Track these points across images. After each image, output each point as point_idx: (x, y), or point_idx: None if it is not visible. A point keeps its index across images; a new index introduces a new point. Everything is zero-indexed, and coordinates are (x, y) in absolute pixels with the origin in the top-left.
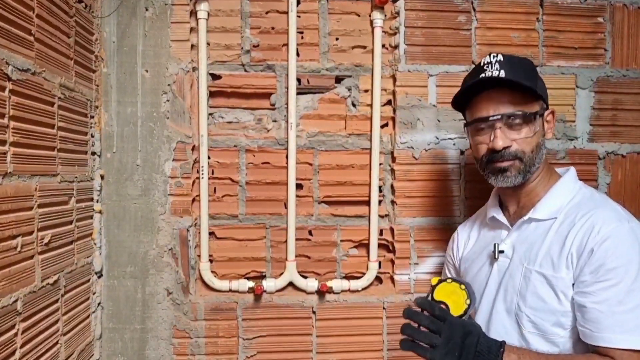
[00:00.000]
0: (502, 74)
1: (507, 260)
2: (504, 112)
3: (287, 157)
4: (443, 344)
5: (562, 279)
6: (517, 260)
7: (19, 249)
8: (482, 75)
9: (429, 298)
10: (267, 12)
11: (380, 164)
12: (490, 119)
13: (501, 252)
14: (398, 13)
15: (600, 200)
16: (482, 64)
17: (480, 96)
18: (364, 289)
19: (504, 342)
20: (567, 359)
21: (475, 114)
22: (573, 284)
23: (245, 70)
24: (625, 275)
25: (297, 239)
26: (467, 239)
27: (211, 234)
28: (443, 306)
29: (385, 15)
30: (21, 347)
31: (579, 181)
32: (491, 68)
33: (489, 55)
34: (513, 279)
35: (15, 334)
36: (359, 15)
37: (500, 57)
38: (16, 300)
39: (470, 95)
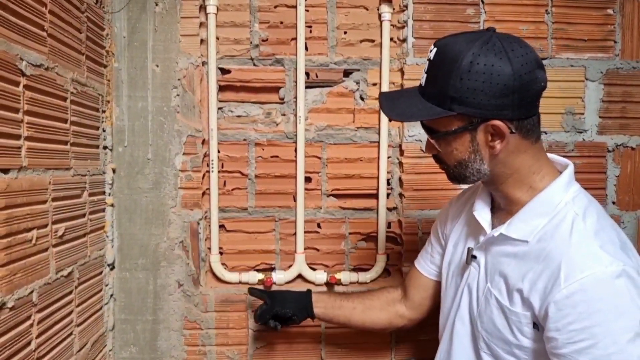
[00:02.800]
0: (424, 79)
1: (477, 270)
2: (413, 119)
3: (295, 150)
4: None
5: (517, 314)
6: (483, 274)
7: (34, 241)
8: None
9: None
10: (275, 7)
11: (388, 157)
12: (401, 121)
13: (474, 257)
14: (406, 6)
15: (590, 228)
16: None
17: None
18: (372, 281)
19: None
20: None
21: None
22: (534, 324)
23: (254, 65)
24: (588, 340)
25: (305, 232)
26: (455, 215)
27: (221, 226)
28: None
29: (394, 9)
30: (37, 337)
31: (572, 187)
32: (426, 66)
33: (432, 46)
34: (477, 293)
35: (31, 325)
36: (367, 9)
37: (432, 54)
38: (32, 292)
39: None
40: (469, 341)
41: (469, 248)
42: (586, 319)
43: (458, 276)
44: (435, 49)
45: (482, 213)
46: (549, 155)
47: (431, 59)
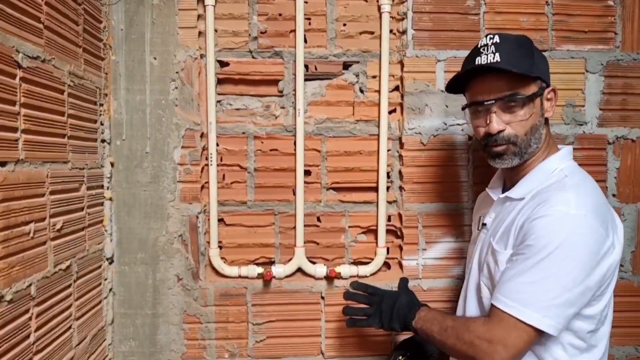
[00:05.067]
0: (497, 57)
1: (485, 234)
2: (498, 96)
3: (295, 143)
4: (374, 311)
5: (504, 254)
6: (489, 235)
7: (31, 234)
8: (478, 58)
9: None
10: None
11: (388, 150)
12: (485, 103)
13: (484, 224)
14: None
15: (572, 184)
16: (479, 46)
17: (476, 80)
18: (372, 274)
19: (420, 304)
20: (460, 320)
21: (471, 97)
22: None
23: (253, 57)
24: (537, 252)
25: (305, 225)
26: (479, 203)
27: (220, 220)
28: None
29: (393, 1)
30: (35, 330)
31: (568, 161)
32: (487, 51)
33: (486, 36)
34: (483, 250)
35: (30, 318)
36: (366, 1)
37: (496, 39)
38: (30, 285)
39: (466, 79)
40: (474, 297)
41: (480, 217)
42: (535, 238)
43: (474, 244)
44: (496, 35)
45: (495, 190)
46: None
47: (497, 41)
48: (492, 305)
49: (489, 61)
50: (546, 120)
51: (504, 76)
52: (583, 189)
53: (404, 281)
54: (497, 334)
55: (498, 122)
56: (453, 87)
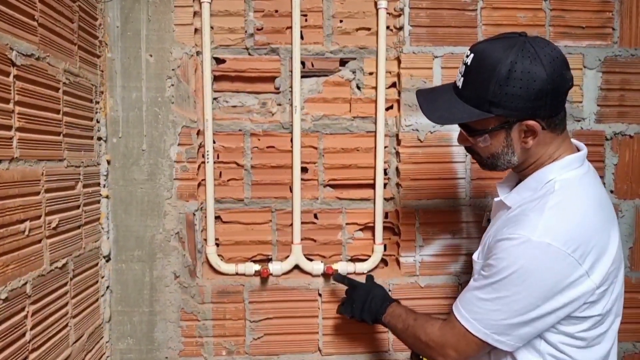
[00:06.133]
0: (461, 82)
1: (488, 232)
2: (450, 119)
3: (292, 140)
4: (346, 300)
5: (479, 265)
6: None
7: (26, 233)
8: (458, 72)
9: None
10: None
11: (385, 147)
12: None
13: (489, 221)
14: None
15: (552, 205)
16: (463, 60)
17: None
18: (369, 271)
19: (392, 299)
20: (420, 320)
21: None
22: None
23: (249, 54)
24: (495, 274)
25: (302, 222)
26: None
27: (217, 217)
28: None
29: None
30: (31, 329)
31: (570, 172)
32: (461, 69)
33: (468, 51)
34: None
35: (25, 317)
36: None
37: (469, 60)
38: (25, 284)
39: None
40: None
41: (486, 213)
42: (502, 259)
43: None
44: (472, 54)
45: (503, 187)
46: (574, 141)
47: (468, 63)
48: (451, 309)
49: (457, 83)
50: (562, 131)
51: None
52: (561, 212)
53: (370, 278)
54: (449, 340)
55: (461, 137)
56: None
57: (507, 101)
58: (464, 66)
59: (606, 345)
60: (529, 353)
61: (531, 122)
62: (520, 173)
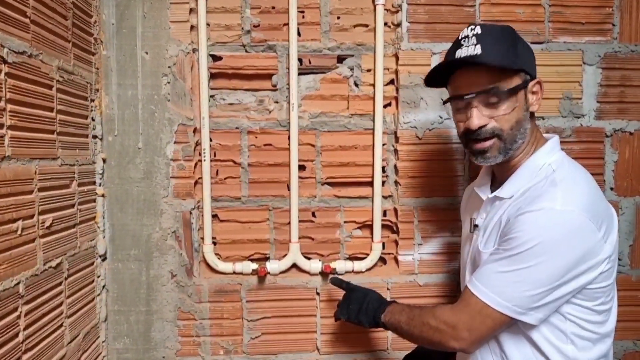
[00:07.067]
0: (478, 49)
1: (477, 235)
2: (479, 89)
3: (289, 138)
4: (342, 302)
5: (486, 254)
6: (481, 236)
7: (19, 232)
8: (459, 50)
9: None
10: None
11: (383, 145)
12: (465, 97)
13: (476, 226)
14: None
15: (560, 179)
16: (459, 37)
17: (457, 73)
18: (368, 269)
19: (386, 301)
20: (427, 308)
21: (452, 91)
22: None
23: (246, 51)
24: (518, 246)
25: (300, 221)
26: (467, 200)
27: (214, 216)
28: None
29: None
30: (24, 329)
31: (556, 153)
32: (468, 42)
33: (467, 27)
34: (475, 253)
35: (18, 317)
36: None
37: (478, 30)
38: (18, 283)
39: (447, 72)
40: None
41: (471, 218)
42: (517, 232)
43: (467, 244)
44: (478, 26)
45: (482, 188)
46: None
47: (479, 32)
48: (465, 287)
49: (469, 54)
50: (532, 113)
51: (485, 69)
52: (572, 183)
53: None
54: (462, 318)
55: (479, 117)
56: (433, 80)
57: (525, 57)
58: (474, 37)
59: (613, 319)
60: (551, 334)
61: (538, 80)
62: (509, 163)
